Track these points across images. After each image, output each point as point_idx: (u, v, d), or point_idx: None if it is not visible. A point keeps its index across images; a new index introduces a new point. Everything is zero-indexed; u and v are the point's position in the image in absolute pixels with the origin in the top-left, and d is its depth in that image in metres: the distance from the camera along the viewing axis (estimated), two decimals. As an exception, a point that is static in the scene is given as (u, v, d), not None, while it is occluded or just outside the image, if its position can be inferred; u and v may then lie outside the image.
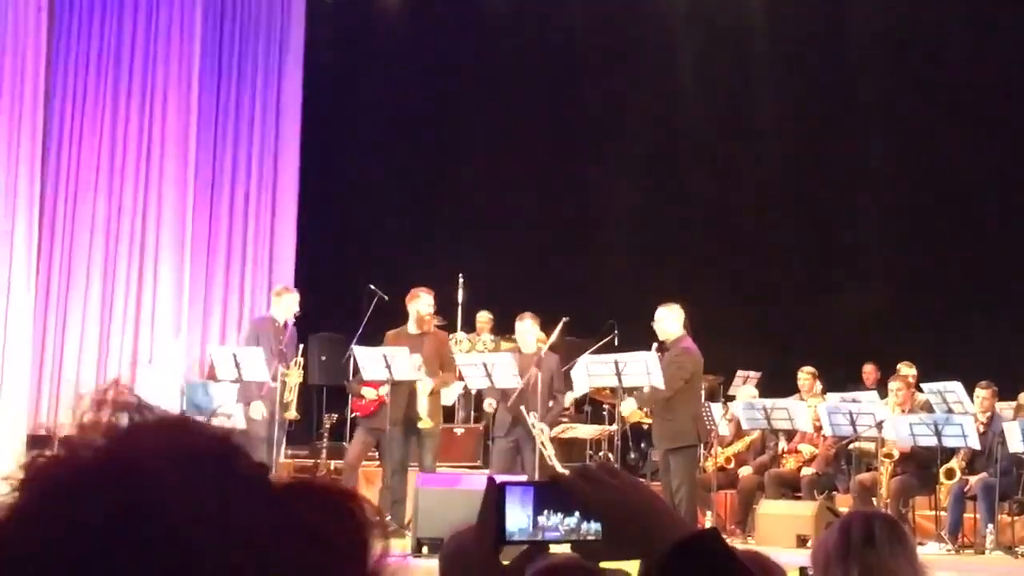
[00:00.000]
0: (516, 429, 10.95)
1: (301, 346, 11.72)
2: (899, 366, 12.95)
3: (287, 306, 11.66)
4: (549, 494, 1.69)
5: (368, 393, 11.63)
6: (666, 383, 10.44)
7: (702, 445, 11.56)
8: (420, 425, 11.00)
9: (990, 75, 15.20)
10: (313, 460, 13.33)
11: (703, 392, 11.91)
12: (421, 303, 11.37)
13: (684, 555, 1.55)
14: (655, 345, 10.89)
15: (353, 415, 11.97)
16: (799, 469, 12.09)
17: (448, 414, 13.78)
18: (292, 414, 11.39)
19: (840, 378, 13.65)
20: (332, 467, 12.96)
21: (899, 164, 15.65)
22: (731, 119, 16.03)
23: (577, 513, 1.68)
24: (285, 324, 11.60)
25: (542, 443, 10.83)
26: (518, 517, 1.68)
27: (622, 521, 1.63)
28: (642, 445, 13.54)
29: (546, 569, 2.03)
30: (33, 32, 13.25)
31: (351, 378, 11.69)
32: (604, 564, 1.86)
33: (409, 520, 10.26)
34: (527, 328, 11.40)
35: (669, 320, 10.69)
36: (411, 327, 11.34)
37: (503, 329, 14.29)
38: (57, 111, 13.82)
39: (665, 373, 10.42)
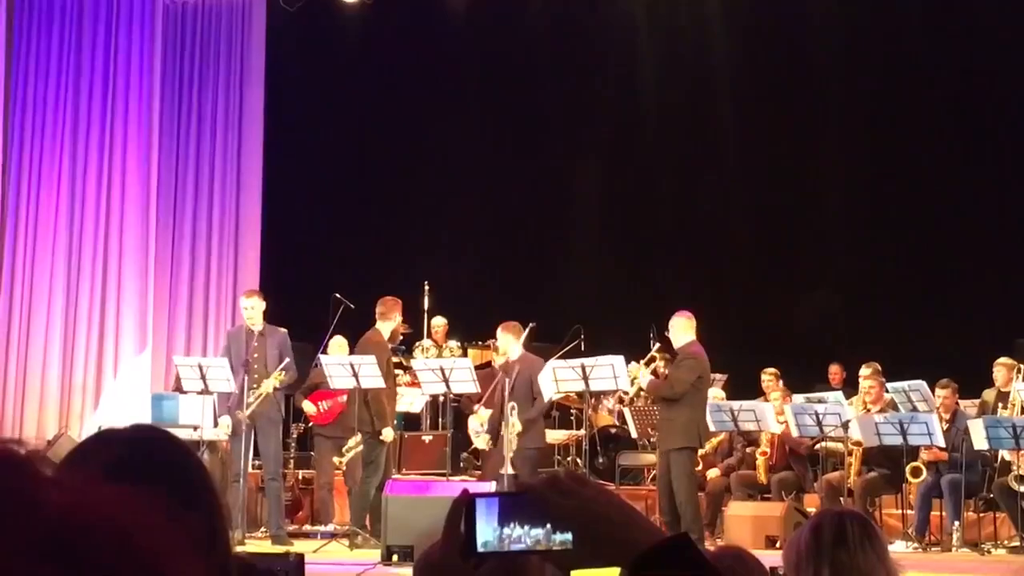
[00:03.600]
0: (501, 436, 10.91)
1: (278, 351, 11.11)
2: (862, 368, 12.99)
3: (247, 310, 11.22)
4: (515, 505, 1.67)
5: (308, 408, 11.67)
6: (673, 385, 10.65)
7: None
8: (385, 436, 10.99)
9: (948, 79, 15.30)
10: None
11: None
12: (399, 316, 11.37)
13: (656, 561, 1.54)
14: (655, 346, 10.96)
15: (310, 424, 11.93)
16: (769, 459, 12.07)
17: (414, 422, 13.79)
18: (243, 412, 10.85)
19: (806, 379, 13.68)
20: (300, 477, 12.93)
21: (859, 163, 15.71)
22: (691, 125, 16.05)
23: (548, 524, 1.66)
24: (263, 329, 11.20)
25: (510, 439, 10.79)
26: (484, 529, 1.66)
27: (594, 529, 1.61)
28: (610, 447, 13.54)
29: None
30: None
31: (296, 394, 11.70)
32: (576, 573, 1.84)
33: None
34: (509, 337, 11.25)
35: (680, 328, 10.76)
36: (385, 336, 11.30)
37: (468, 335, 14.30)
38: (18, 121, 13.72)
39: (672, 375, 10.61)
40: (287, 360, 11.07)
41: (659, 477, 10.92)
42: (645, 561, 1.55)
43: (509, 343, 11.14)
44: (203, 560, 0.70)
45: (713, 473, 12.32)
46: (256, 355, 11.09)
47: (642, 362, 10.81)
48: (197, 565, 0.70)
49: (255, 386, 10.96)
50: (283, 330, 11.38)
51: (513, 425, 10.70)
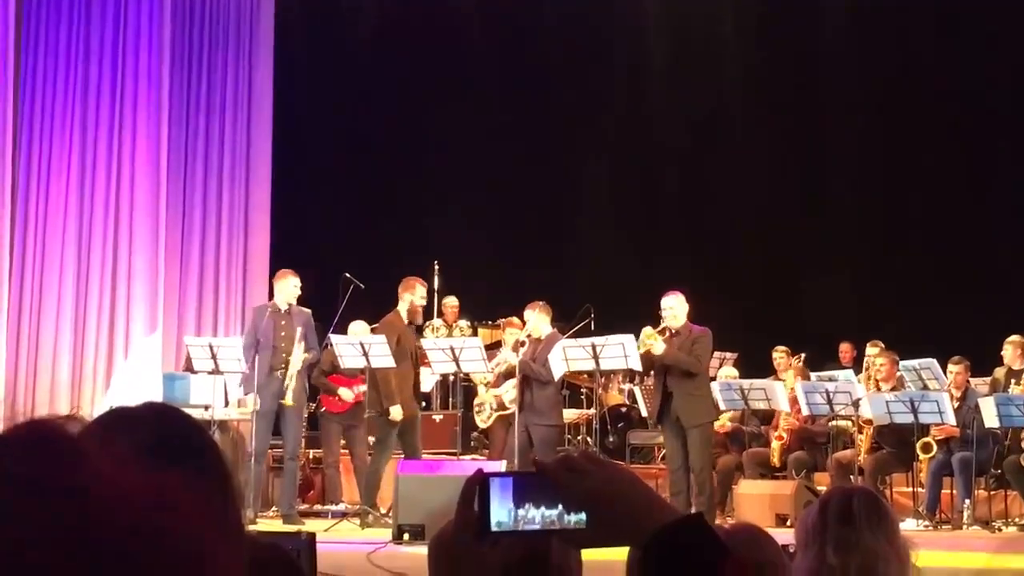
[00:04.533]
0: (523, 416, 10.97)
1: (301, 330, 11.17)
2: (868, 348, 13.02)
3: (284, 290, 11.36)
4: (529, 485, 1.69)
5: (345, 395, 11.66)
6: (700, 358, 10.77)
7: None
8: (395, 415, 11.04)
9: (957, 67, 15.30)
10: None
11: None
12: (416, 293, 11.38)
13: (670, 540, 1.56)
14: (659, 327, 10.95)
15: (322, 410, 11.93)
16: (784, 443, 12.06)
17: (424, 401, 13.83)
18: (287, 400, 11.01)
19: (817, 358, 13.69)
20: (310, 456, 12.98)
21: (869, 144, 15.71)
22: (700, 111, 16.05)
23: (560, 505, 1.67)
24: (289, 309, 11.28)
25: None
26: (499, 509, 1.68)
27: (607, 509, 1.63)
28: (620, 425, 13.57)
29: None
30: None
31: (315, 373, 11.67)
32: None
33: (390, 507, 10.29)
34: (540, 315, 11.28)
35: (680, 308, 10.78)
36: (403, 315, 11.35)
37: (478, 315, 14.33)
38: (27, 106, 13.75)
39: (696, 351, 10.68)
40: (312, 341, 11.19)
41: (674, 452, 10.83)
42: (660, 540, 1.56)
43: (542, 322, 11.17)
44: (240, 542, 0.71)
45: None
46: (283, 333, 11.14)
47: (656, 330, 10.75)
48: (235, 547, 0.71)
49: (283, 365, 11.03)
50: (308, 310, 11.45)
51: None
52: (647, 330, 10.76)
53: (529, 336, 11.15)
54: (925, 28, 15.42)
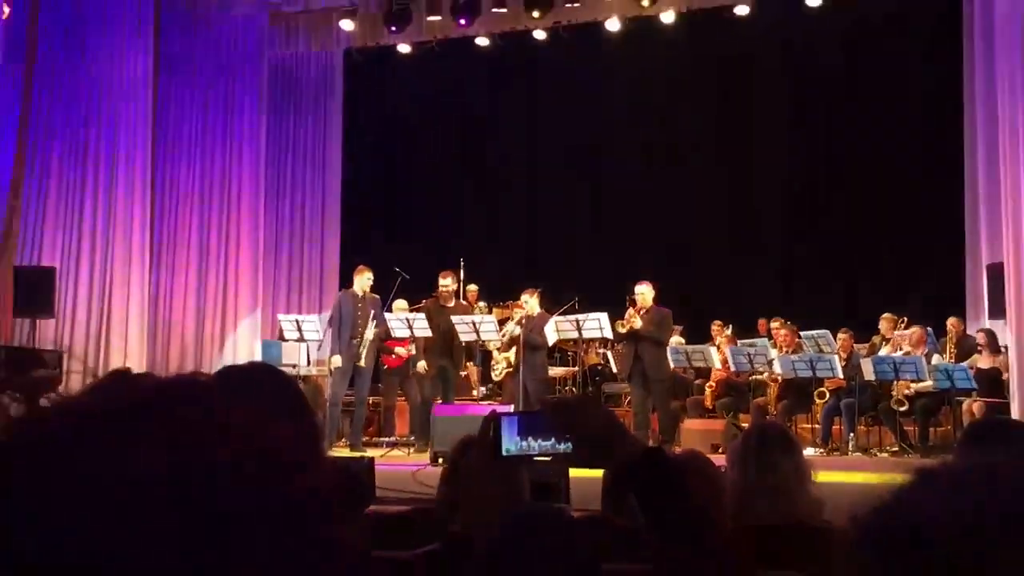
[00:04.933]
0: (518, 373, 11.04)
1: (373, 312, 11.26)
2: (772, 323, 13.12)
3: (361, 281, 11.39)
4: (531, 422, 1.71)
5: (400, 351, 11.69)
6: (664, 335, 11.04)
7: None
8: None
9: (859, 87, 15.20)
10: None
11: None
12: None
13: (639, 465, 1.58)
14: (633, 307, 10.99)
15: (384, 367, 11.97)
16: (715, 390, 12.07)
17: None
18: (361, 362, 11.13)
19: (742, 329, 13.67)
20: (370, 402, 12.98)
21: (785, 174, 15.58)
22: (663, 139, 15.92)
23: (553, 437, 1.69)
24: (364, 295, 11.34)
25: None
26: (509, 439, 1.69)
27: (589, 439, 1.64)
28: (597, 379, 13.55)
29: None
30: (141, 105, 13.21)
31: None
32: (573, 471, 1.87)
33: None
34: (531, 299, 11.35)
35: (649, 293, 10.98)
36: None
37: (492, 298, 14.30)
38: (161, 142, 13.77)
39: (659, 328, 10.90)
40: (381, 319, 11.22)
41: (639, 399, 10.90)
42: (632, 464, 1.58)
43: (536, 303, 11.21)
44: (322, 460, 0.72)
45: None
46: (360, 313, 11.18)
47: (637, 312, 10.88)
48: (321, 463, 0.72)
49: (358, 336, 11.07)
50: (378, 296, 11.49)
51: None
52: (631, 311, 10.86)
53: (527, 315, 11.19)
54: (838, 58, 15.11)
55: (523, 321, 11.14)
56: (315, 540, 0.65)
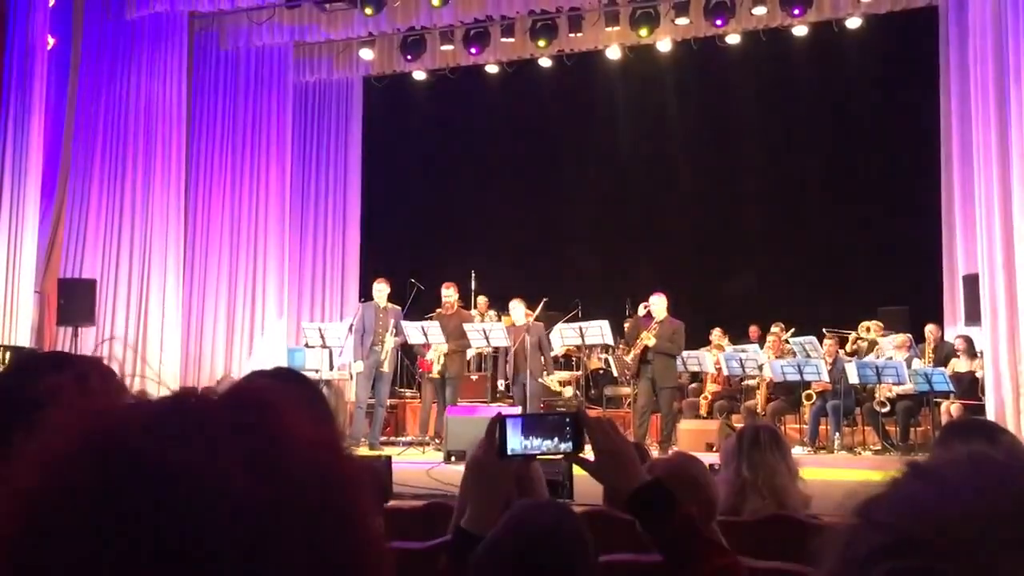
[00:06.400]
0: (518, 376, 11.02)
1: (393, 321, 11.24)
2: (772, 327, 13.01)
3: (378, 293, 11.43)
4: (534, 423, 1.71)
5: (431, 355, 11.68)
6: (679, 346, 10.85)
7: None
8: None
9: (827, 103, 15.18)
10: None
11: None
12: (447, 292, 11.38)
13: (646, 494, 1.66)
14: (642, 311, 10.91)
15: (420, 371, 11.96)
16: (710, 400, 12.06)
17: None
18: (385, 368, 11.19)
19: (735, 336, 13.63)
20: (388, 404, 12.95)
21: (768, 188, 15.54)
22: (653, 162, 15.93)
23: (556, 437, 1.69)
24: (385, 306, 11.35)
25: (548, 383, 11.16)
26: (513, 439, 1.69)
27: (608, 458, 1.68)
28: (599, 382, 13.52)
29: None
30: (176, 128, 13.24)
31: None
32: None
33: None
34: (516, 307, 11.43)
35: (662, 304, 10.84)
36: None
37: (503, 308, 14.29)
38: (195, 157, 13.78)
39: (672, 340, 10.72)
40: (400, 329, 11.18)
41: (643, 402, 10.83)
42: (638, 493, 1.65)
43: (521, 312, 11.36)
44: (349, 457, 0.74)
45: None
46: (380, 323, 11.20)
47: (650, 333, 10.77)
48: (348, 459, 0.75)
49: (379, 343, 11.09)
50: (398, 307, 11.50)
51: (548, 375, 11.00)
52: (644, 333, 10.77)
53: (513, 324, 11.30)
54: (811, 80, 15.13)
55: (529, 328, 11.16)
56: (367, 528, 0.67)
